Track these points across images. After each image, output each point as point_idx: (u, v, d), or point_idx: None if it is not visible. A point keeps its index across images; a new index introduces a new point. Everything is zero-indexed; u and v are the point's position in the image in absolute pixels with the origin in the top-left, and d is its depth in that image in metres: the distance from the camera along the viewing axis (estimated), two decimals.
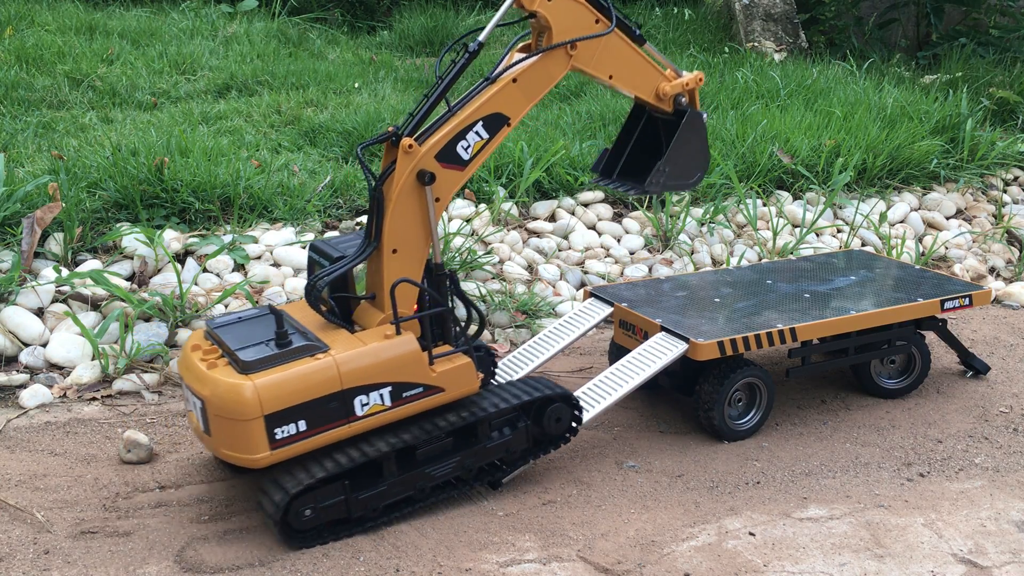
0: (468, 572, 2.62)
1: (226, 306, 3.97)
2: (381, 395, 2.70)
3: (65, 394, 3.49)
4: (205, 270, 4.12)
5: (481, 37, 2.84)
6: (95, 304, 3.85)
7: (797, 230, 4.99)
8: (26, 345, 3.66)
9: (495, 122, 2.85)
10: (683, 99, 3.13)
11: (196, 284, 4.02)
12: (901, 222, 5.28)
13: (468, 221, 4.63)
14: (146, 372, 3.62)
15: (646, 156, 3.20)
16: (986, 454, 3.33)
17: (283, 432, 2.57)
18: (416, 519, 2.85)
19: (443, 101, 2.82)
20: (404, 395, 2.73)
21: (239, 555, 2.66)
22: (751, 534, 2.82)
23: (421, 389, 2.76)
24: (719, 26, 8.19)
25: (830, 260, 4.09)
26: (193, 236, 4.29)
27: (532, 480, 3.08)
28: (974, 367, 3.89)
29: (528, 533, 2.80)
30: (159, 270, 4.13)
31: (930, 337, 3.82)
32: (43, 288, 3.81)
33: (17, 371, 3.57)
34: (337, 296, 2.83)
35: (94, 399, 3.47)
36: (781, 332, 3.32)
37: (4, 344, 3.62)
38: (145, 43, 6.78)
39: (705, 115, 3.19)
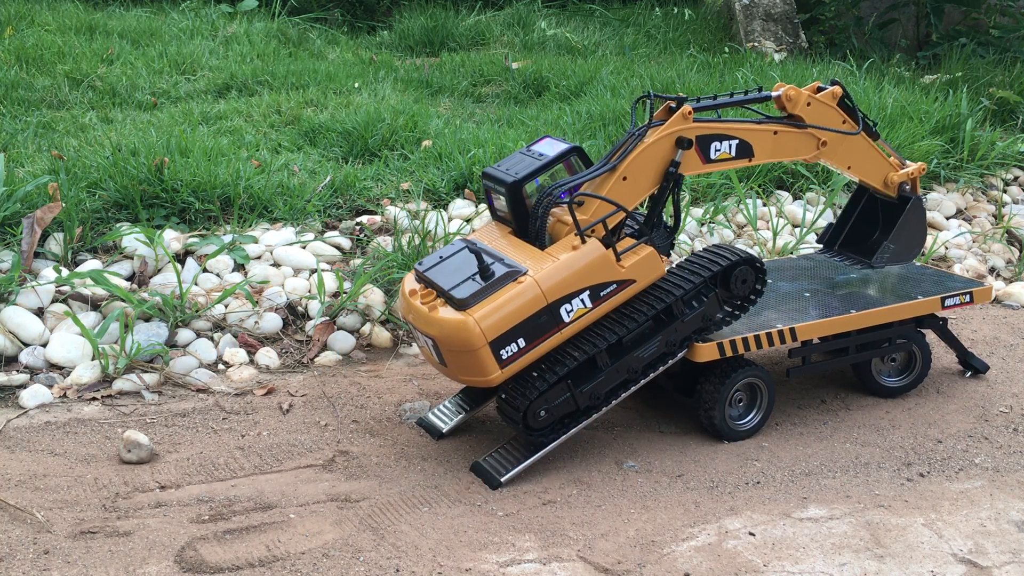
0: (468, 572, 2.62)
1: (226, 306, 3.97)
2: (582, 299, 2.98)
3: (65, 394, 3.49)
4: (205, 270, 4.12)
5: (774, 92, 3.29)
6: (95, 304, 3.85)
7: (797, 230, 4.99)
8: (26, 345, 3.66)
9: (744, 149, 3.27)
10: (907, 186, 3.55)
11: (196, 284, 4.02)
12: None
13: (468, 221, 4.63)
14: (146, 372, 3.62)
15: (865, 229, 3.69)
16: (986, 454, 3.33)
17: (507, 352, 2.92)
18: (416, 519, 2.85)
19: (727, 108, 3.25)
20: (601, 294, 3.02)
21: (239, 555, 2.66)
22: (751, 534, 2.82)
23: (615, 285, 3.04)
24: (719, 26, 8.19)
25: (830, 259, 4.09)
26: (193, 236, 4.29)
27: (532, 480, 3.08)
28: (973, 367, 3.88)
29: (528, 533, 2.80)
30: (159, 270, 4.13)
31: (930, 336, 3.82)
32: (43, 288, 3.81)
33: (17, 371, 3.57)
34: (520, 208, 3.12)
35: (94, 399, 3.47)
36: (781, 332, 3.32)
37: (4, 344, 3.62)
38: (145, 43, 6.78)
39: (925, 200, 3.59)
